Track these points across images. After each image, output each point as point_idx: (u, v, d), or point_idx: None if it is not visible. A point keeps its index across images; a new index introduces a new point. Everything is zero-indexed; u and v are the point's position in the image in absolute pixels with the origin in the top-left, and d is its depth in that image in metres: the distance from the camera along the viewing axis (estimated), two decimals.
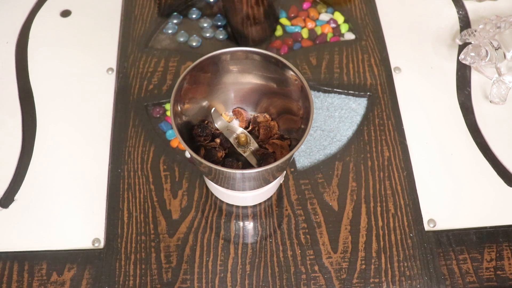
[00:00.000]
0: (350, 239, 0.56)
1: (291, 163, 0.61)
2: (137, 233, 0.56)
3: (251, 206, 0.58)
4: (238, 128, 0.55)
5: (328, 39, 0.71)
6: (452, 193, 0.59)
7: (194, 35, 0.71)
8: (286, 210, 0.58)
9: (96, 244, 0.55)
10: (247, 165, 0.53)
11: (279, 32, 0.72)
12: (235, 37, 0.72)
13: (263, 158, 0.53)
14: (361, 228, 0.57)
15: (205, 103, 0.54)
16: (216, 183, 0.52)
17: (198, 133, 0.53)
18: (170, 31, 0.72)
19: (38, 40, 0.71)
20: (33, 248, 0.55)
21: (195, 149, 0.52)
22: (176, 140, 0.62)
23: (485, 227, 0.57)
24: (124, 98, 0.65)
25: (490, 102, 0.64)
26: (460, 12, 0.73)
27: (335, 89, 0.66)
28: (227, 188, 0.52)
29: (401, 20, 0.73)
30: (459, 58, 0.65)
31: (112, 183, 0.59)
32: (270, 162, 0.52)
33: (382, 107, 0.65)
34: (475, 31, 0.65)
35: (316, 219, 0.57)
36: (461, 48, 0.69)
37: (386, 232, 0.56)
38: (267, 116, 0.56)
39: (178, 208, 0.58)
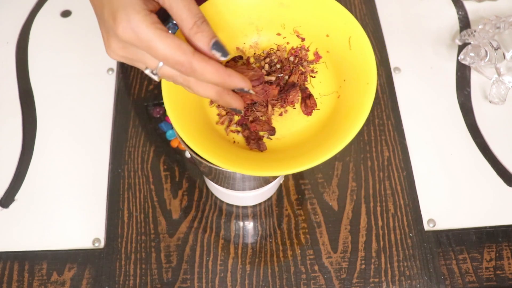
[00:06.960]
0: (350, 239, 0.56)
1: None
2: (137, 233, 0.56)
3: (251, 206, 0.58)
4: None
5: None
6: (452, 193, 0.59)
7: None
8: (286, 210, 0.58)
9: (97, 244, 0.56)
10: None
11: None
12: None
13: None
14: (361, 228, 0.57)
15: None
16: (216, 183, 0.52)
17: None
18: (170, 31, 0.71)
19: (39, 41, 0.71)
20: (34, 248, 0.55)
21: None
22: (176, 140, 0.62)
23: (485, 227, 0.57)
24: (124, 98, 0.65)
25: (490, 102, 0.64)
26: (460, 13, 0.73)
27: None
28: (227, 188, 0.53)
29: (401, 20, 0.73)
30: (459, 58, 0.65)
31: (112, 183, 0.59)
32: None
33: (382, 107, 0.65)
34: (475, 31, 0.65)
35: (316, 219, 0.57)
36: (460, 48, 0.69)
37: (386, 232, 0.56)
38: None
39: (178, 208, 0.58)
